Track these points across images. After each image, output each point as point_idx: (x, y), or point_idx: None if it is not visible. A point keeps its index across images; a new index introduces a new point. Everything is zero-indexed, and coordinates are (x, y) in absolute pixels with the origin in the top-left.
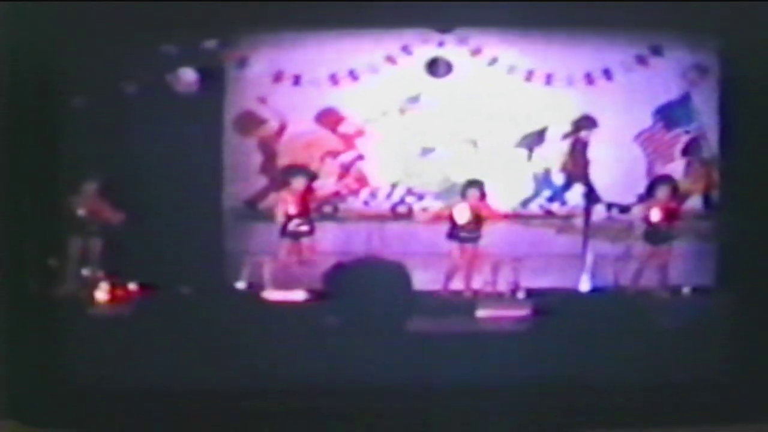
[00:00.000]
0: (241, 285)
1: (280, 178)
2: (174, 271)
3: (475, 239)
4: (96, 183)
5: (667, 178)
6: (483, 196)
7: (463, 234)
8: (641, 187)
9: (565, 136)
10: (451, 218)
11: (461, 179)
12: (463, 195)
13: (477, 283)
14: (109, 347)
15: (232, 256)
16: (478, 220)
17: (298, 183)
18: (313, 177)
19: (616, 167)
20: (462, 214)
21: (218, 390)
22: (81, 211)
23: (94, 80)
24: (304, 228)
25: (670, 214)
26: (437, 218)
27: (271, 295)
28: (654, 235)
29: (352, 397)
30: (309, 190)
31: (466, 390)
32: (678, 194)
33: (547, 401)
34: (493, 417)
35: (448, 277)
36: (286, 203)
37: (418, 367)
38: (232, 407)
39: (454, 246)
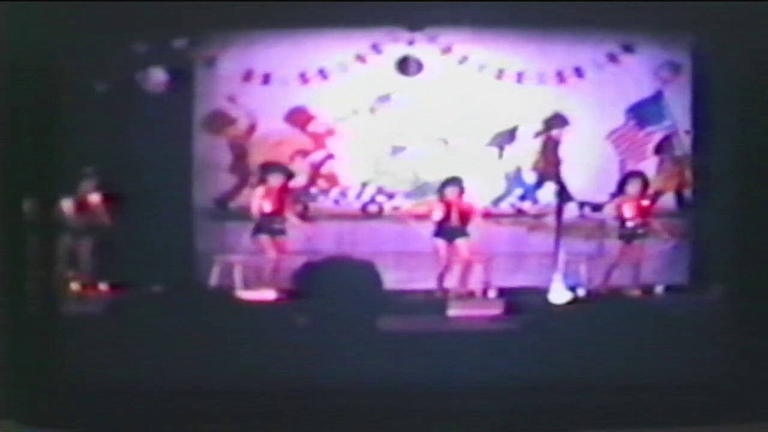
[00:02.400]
0: (211, 284)
1: (258, 175)
2: (145, 271)
3: (459, 236)
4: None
5: (637, 174)
6: (461, 193)
7: (447, 232)
8: (613, 186)
9: (537, 134)
10: (428, 217)
11: (432, 178)
12: (441, 193)
13: (449, 282)
14: (109, 347)
15: (203, 255)
16: (460, 217)
17: (275, 180)
18: (290, 175)
19: (588, 165)
20: (438, 212)
21: (218, 389)
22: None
23: (62, 79)
24: (279, 226)
25: (642, 211)
26: (417, 217)
27: (242, 294)
28: (627, 231)
29: (321, 396)
30: (285, 188)
31: (438, 390)
32: (648, 190)
33: (525, 401)
34: (467, 417)
35: (442, 276)
36: (261, 201)
37: (389, 367)
38: (225, 406)
39: (440, 244)
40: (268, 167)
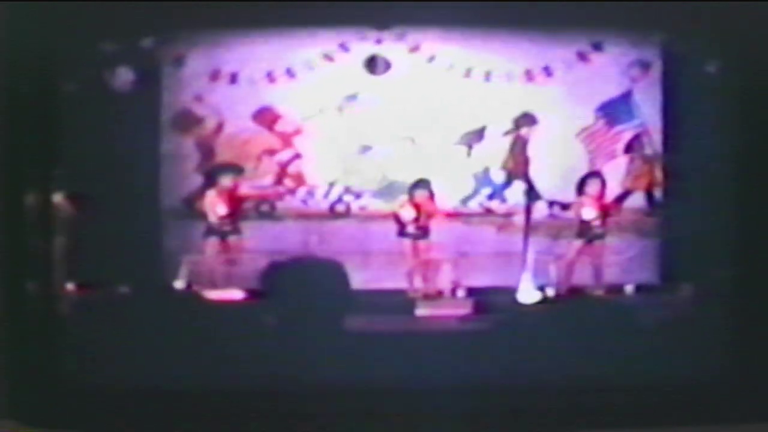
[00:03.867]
0: (179, 284)
1: (208, 177)
2: (112, 271)
3: (422, 236)
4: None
5: (595, 174)
6: (431, 195)
7: (411, 231)
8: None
9: (506, 133)
10: (397, 216)
11: (400, 177)
12: (411, 195)
13: (417, 282)
14: (109, 347)
15: (170, 255)
16: (426, 217)
17: (226, 180)
18: (240, 173)
19: (558, 165)
20: (408, 212)
21: (220, 390)
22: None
23: (27, 78)
24: (228, 227)
25: (602, 209)
26: (385, 216)
27: (208, 294)
28: (587, 231)
29: (288, 397)
30: (236, 187)
31: (406, 390)
32: (606, 189)
33: (495, 402)
34: (436, 418)
35: (410, 275)
36: (215, 202)
37: (357, 368)
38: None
39: (406, 243)
40: (217, 168)
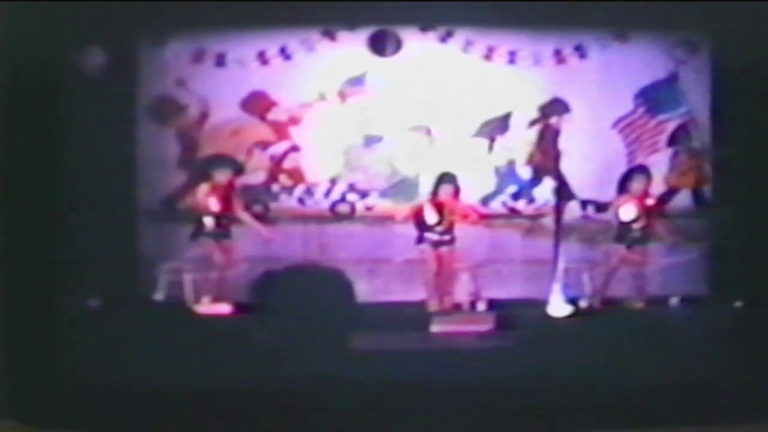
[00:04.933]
0: (157, 296)
1: (202, 170)
2: (84, 280)
3: (448, 243)
4: None
5: (642, 169)
6: (457, 192)
7: (434, 237)
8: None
9: (532, 123)
10: (417, 218)
11: (412, 173)
12: (434, 192)
13: (433, 294)
14: (109, 348)
15: (148, 263)
16: (451, 222)
17: (222, 176)
18: (239, 169)
19: (592, 159)
20: (431, 214)
21: (220, 390)
22: None
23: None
24: (221, 229)
25: (644, 210)
26: (400, 219)
27: (193, 307)
28: (626, 234)
29: (291, 420)
30: (232, 185)
31: (420, 414)
32: (651, 187)
33: (520, 426)
34: None
35: (425, 287)
36: (206, 199)
37: (364, 390)
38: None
39: (427, 251)
40: (214, 161)
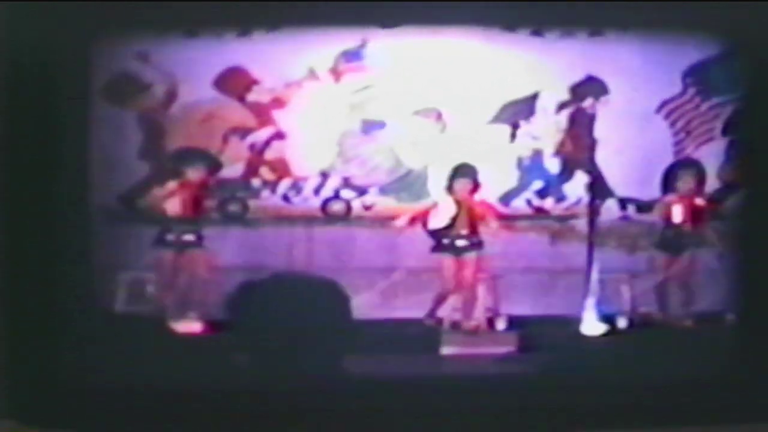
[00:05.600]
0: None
1: (170, 166)
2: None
3: (472, 248)
4: None
5: (690, 163)
6: (476, 188)
7: (452, 242)
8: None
9: (562, 106)
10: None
11: (419, 165)
12: (449, 187)
13: (444, 310)
14: (109, 347)
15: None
16: (471, 223)
17: (195, 173)
18: (215, 165)
19: (633, 149)
20: (442, 215)
21: (220, 390)
22: None
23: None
24: (189, 237)
25: (695, 211)
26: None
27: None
28: (674, 240)
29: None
30: (205, 183)
31: None
32: (704, 184)
33: None
34: None
35: (439, 302)
36: (173, 200)
37: (360, 423)
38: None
39: (447, 260)
40: (185, 155)
